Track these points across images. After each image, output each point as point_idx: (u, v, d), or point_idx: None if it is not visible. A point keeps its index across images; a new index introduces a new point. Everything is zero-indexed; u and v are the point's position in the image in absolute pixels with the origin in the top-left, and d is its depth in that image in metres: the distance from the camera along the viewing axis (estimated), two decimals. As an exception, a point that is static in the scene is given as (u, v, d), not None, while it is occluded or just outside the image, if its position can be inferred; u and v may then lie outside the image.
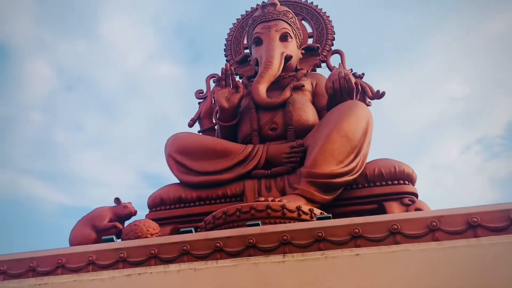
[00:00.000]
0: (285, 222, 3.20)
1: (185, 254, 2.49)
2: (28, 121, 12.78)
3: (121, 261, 2.54)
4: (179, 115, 13.35)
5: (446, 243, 2.02)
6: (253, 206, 3.30)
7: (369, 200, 4.02)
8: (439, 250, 2.01)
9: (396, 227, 2.21)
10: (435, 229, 2.15)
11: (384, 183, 4.05)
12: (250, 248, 2.40)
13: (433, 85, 11.90)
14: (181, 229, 2.77)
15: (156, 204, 4.49)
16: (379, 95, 5.05)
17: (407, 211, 3.75)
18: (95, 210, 3.80)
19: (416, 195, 4.00)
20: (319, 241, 2.30)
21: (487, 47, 11.24)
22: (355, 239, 2.25)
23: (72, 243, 3.57)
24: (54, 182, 13.03)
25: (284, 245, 2.34)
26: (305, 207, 3.36)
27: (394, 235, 2.20)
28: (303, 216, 3.29)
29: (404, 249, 2.04)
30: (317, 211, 3.39)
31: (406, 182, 4.05)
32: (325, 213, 3.38)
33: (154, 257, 2.52)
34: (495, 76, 11.61)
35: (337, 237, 2.27)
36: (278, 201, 3.52)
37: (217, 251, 2.44)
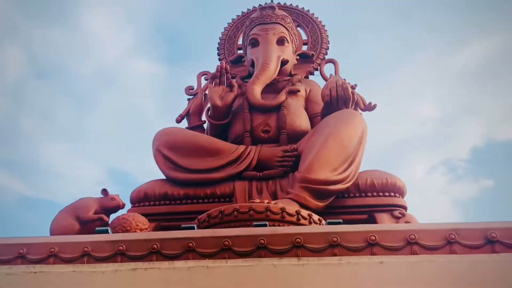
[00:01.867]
0: (283, 226, 3.14)
1: (190, 251, 2.36)
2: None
3: (120, 254, 2.38)
4: (153, 112, 13.04)
5: (466, 257, 2.02)
6: (252, 207, 3.20)
7: (360, 210, 4.01)
8: (458, 263, 2.01)
9: (413, 237, 2.19)
10: (453, 241, 2.15)
11: (375, 194, 4.06)
12: (261, 249, 2.31)
13: (405, 105, 12.27)
14: (183, 225, 2.64)
15: (140, 199, 4.30)
16: (370, 107, 5.09)
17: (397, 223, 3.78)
18: (79, 200, 3.58)
19: (406, 208, 4.03)
20: (333, 246, 2.24)
21: (459, 74, 11.73)
22: (371, 246, 2.21)
23: (54, 233, 3.34)
24: (16, 171, 12.36)
25: (296, 248, 2.27)
26: (304, 212, 3.30)
27: (411, 245, 2.17)
28: (302, 221, 3.21)
29: (424, 259, 2.02)
30: (316, 217, 3.34)
31: (397, 195, 4.08)
32: (323, 220, 3.34)
33: (156, 252, 2.38)
34: (464, 103, 12.12)
35: (353, 243, 2.23)
36: (274, 203, 3.45)
37: (225, 250, 2.33)
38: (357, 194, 4.09)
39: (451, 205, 12.42)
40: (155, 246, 2.40)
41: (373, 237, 2.22)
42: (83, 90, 13.06)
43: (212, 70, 5.45)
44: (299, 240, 2.28)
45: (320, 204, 3.90)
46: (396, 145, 12.49)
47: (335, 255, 2.20)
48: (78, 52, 12.66)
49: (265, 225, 2.53)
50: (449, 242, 2.16)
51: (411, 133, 12.68)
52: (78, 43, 12.65)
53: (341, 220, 2.61)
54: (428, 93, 12.33)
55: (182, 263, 2.19)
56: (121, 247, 2.41)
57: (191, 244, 2.38)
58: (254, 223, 2.58)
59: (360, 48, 11.88)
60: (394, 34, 12.12)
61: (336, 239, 2.25)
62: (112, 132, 12.91)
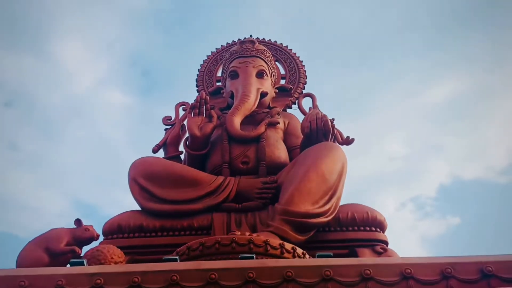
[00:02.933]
0: (266, 259, 3.02)
1: (173, 285, 2.22)
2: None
3: (97, 288, 2.21)
4: (122, 144, 12.72)
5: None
6: (234, 239, 3.09)
7: (342, 244, 3.94)
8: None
9: (409, 271, 2.13)
10: (449, 276, 2.11)
11: (356, 228, 4.03)
12: (249, 283, 2.19)
13: (375, 142, 12.55)
14: (164, 257, 2.49)
15: (113, 231, 4.09)
16: (348, 141, 5.13)
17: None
18: (50, 230, 3.34)
19: (387, 243, 4.01)
20: (326, 281, 2.15)
21: (427, 113, 12.17)
22: (366, 281, 2.13)
23: (20, 266, 3.07)
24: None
25: (287, 282, 2.17)
26: (288, 245, 3.20)
27: (407, 279, 2.12)
28: (286, 255, 3.11)
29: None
30: (299, 251, 3.25)
31: (378, 230, 4.06)
32: (307, 253, 3.25)
33: (137, 286, 2.22)
34: (431, 141, 12.53)
35: (347, 277, 2.15)
36: (256, 236, 3.34)
37: (211, 284, 2.20)
38: (338, 228, 4.04)
39: (419, 242, 12.57)
40: (136, 279, 2.25)
41: (368, 271, 2.15)
42: (52, 120, 12.64)
43: (188, 101, 5.42)
44: (290, 274, 2.18)
45: (301, 237, 3.81)
46: (366, 181, 12.66)
47: (328, 289, 2.11)
48: (50, 82, 12.34)
49: (252, 258, 2.42)
50: (445, 276, 2.12)
51: (381, 169, 12.92)
52: (50, 72, 12.36)
53: (331, 253, 2.53)
54: (397, 131, 12.69)
55: (167, 298, 2.04)
56: (98, 281, 2.24)
57: (175, 277, 2.24)
58: (241, 255, 2.47)
59: (331, 85, 12.19)
60: (364, 73, 12.55)
61: (329, 273, 2.17)
62: (80, 163, 12.46)
